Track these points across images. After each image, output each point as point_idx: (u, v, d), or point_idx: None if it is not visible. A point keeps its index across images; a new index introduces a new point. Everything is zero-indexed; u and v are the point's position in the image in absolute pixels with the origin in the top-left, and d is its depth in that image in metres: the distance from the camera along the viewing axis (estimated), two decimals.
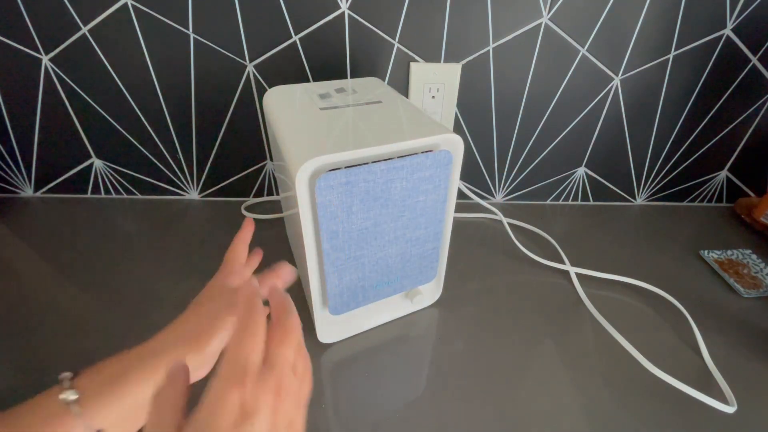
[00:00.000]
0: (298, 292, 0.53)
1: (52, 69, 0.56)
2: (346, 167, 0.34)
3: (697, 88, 0.61)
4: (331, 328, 0.45)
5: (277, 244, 0.59)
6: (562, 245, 0.61)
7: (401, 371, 0.43)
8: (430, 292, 0.50)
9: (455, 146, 0.39)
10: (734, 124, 0.65)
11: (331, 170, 0.33)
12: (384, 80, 0.59)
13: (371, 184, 0.35)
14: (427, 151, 0.37)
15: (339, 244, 0.37)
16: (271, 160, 0.66)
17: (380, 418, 0.39)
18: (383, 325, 0.48)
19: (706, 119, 0.64)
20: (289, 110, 0.43)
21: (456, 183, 0.41)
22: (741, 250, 0.60)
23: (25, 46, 0.55)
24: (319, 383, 0.42)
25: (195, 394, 0.21)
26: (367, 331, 0.48)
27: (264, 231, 0.62)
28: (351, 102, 0.44)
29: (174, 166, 0.66)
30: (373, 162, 0.35)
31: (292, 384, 0.22)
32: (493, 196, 0.72)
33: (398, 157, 0.35)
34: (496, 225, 0.66)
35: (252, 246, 0.62)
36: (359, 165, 0.34)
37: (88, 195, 0.69)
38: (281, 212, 0.66)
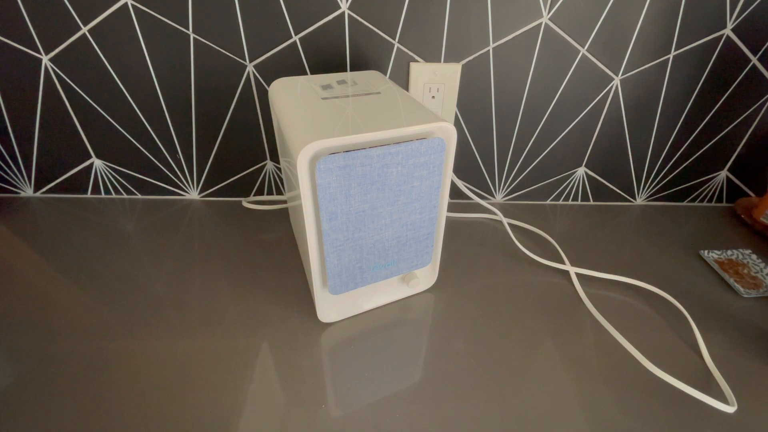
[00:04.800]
0: (301, 274, 0.53)
1: (52, 69, 0.56)
2: (345, 151, 0.35)
3: (697, 88, 0.61)
4: (330, 308, 0.47)
5: (279, 239, 0.59)
6: (562, 245, 0.61)
7: (398, 352, 0.44)
8: (425, 277, 0.52)
9: (449, 135, 0.40)
10: (734, 124, 0.65)
11: (331, 154, 0.35)
12: None
13: (368, 168, 0.37)
14: (421, 139, 0.38)
15: (338, 225, 0.39)
16: (271, 159, 0.66)
17: (377, 394, 0.40)
18: (381, 307, 0.50)
19: (706, 119, 0.64)
20: (293, 99, 0.44)
21: (449, 171, 0.43)
22: (741, 250, 0.60)
23: (25, 46, 0.55)
24: (318, 360, 0.43)
25: None
26: (365, 312, 0.49)
27: (266, 225, 0.62)
28: (351, 93, 0.45)
29: (174, 166, 0.66)
30: (370, 147, 0.36)
31: None
32: (493, 196, 0.72)
33: (394, 144, 0.37)
34: (496, 225, 0.66)
35: (256, 240, 0.62)
36: (357, 150, 0.36)
37: (88, 195, 0.69)
38: (281, 212, 0.66)
